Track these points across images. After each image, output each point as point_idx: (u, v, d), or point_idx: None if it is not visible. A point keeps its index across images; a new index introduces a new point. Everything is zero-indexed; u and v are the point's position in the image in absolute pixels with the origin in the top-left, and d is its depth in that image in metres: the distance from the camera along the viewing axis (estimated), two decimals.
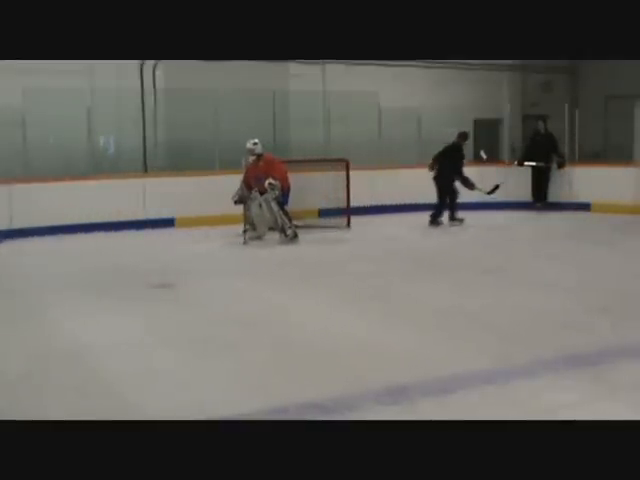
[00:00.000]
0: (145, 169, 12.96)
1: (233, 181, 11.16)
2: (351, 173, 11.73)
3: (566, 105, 14.39)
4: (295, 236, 10.02)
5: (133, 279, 7.75)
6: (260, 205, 10.13)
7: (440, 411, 3.93)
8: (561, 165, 13.54)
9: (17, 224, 10.81)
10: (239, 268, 8.50)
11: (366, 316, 6.02)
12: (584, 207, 13.09)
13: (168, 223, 11.92)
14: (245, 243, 9.94)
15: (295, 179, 10.65)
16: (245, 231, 10.18)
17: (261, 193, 10.11)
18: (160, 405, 4.09)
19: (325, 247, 9.82)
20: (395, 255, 9.19)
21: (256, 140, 10.34)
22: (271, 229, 10.27)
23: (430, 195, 13.39)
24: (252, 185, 10.26)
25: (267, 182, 9.97)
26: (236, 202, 10.50)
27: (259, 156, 10.27)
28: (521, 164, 13.67)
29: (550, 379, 4.43)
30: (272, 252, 9.65)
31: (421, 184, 13.29)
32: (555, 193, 13.52)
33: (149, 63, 12.69)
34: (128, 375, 4.65)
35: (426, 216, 11.72)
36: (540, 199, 13.58)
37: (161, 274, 7.91)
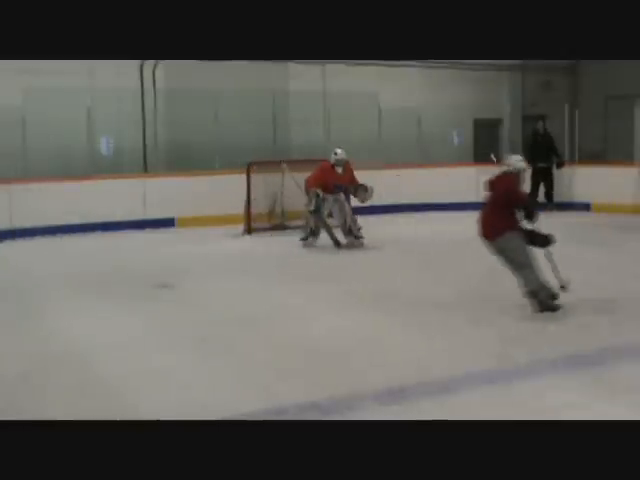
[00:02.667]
0: (145, 169, 12.94)
1: (233, 181, 11.15)
2: None
3: (566, 105, 14.37)
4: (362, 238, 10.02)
5: (133, 279, 7.74)
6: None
7: (440, 411, 3.93)
8: (560, 165, 13.47)
9: (17, 224, 10.80)
10: (240, 268, 8.48)
11: (366, 316, 6.01)
12: (584, 207, 13.06)
13: (169, 223, 11.91)
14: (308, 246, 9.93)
15: (296, 179, 10.83)
16: (305, 238, 10.07)
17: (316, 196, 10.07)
18: (160, 405, 4.09)
19: (325, 247, 9.81)
20: (395, 255, 9.19)
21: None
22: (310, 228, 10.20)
23: (429, 195, 13.38)
24: (333, 191, 10.12)
25: (370, 186, 10.22)
26: (313, 211, 10.32)
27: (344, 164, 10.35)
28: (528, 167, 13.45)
29: (551, 379, 4.43)
30: (273, 253, 9.65)
31: (421, 184, 13.32)
32: (555, 193, 13.48)
33: (149, 63, 12.66)
34: (128, 375, 4.65)
35: (426, 216, 11.65)
36: (547, 200, 13.38)
37: (161, 274, 7.90)
